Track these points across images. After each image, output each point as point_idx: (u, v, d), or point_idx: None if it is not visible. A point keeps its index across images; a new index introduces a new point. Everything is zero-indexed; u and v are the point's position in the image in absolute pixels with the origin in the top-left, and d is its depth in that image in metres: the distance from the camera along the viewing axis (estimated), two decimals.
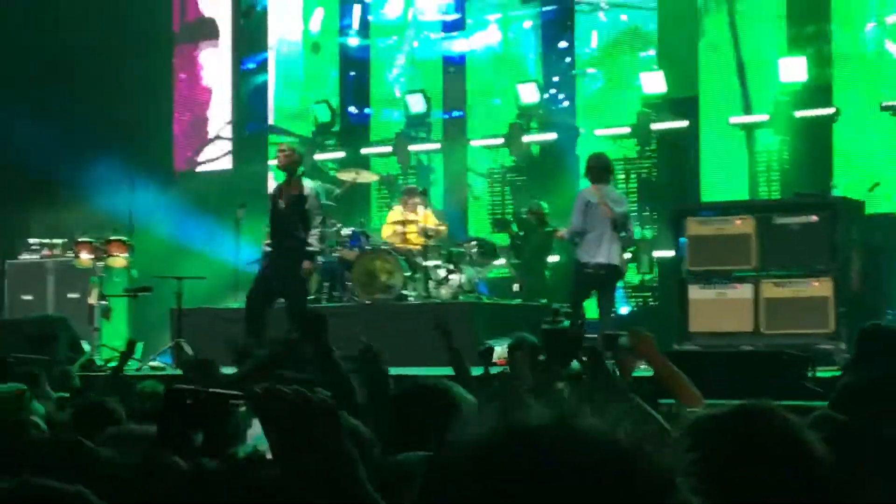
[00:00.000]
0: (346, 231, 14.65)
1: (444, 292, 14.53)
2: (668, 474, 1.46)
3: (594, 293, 12.39)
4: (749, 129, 15.64)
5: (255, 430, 2.96)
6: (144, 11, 18.76)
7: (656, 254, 15.85)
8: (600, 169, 12.26)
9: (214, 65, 19.67)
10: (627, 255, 13.17)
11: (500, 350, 9.39)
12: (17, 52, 17.89)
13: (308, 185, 11.96)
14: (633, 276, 16.25)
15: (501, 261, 15.56)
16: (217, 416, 3.07)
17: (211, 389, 3.21)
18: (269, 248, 12.58)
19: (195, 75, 19.85)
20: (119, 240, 13.76)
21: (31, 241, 15.52)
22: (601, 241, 11.99)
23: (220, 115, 19.68)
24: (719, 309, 12.39)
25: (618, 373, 5.81)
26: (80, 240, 14.06)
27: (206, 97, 19.79)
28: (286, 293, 11.89)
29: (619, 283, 13.00)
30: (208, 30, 19.70)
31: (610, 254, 12.02)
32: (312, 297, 13.27)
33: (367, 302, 14.11)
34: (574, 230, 12.15)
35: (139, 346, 14.02)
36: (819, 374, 9.38)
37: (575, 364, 6.40)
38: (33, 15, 18.10)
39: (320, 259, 13.92)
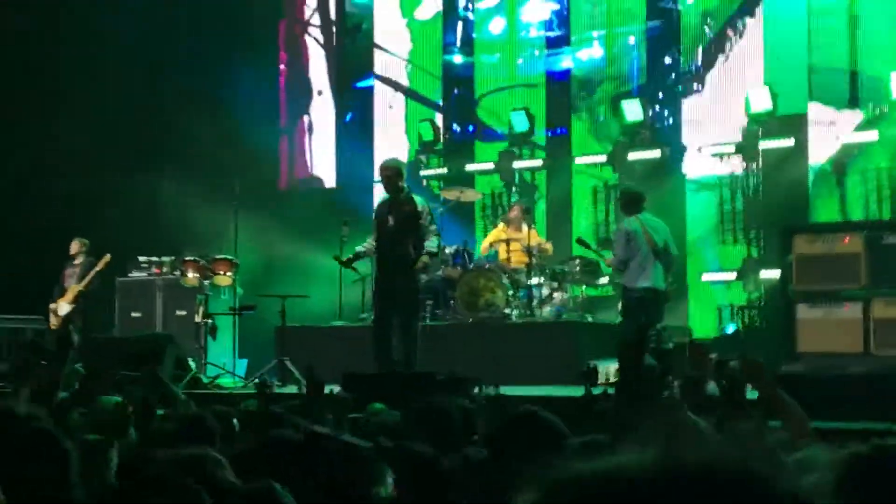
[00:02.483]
0: (449, 249, 14.65)
1: (547, 311, 14.48)
2: None
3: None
4: (860, 147, 15.36)
5: None
6: (256, 26, 19.03)
7: (763, 273, 15.62)
8: (635, 201, 12.73)
9: (318, 65, 19.85)
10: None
11: (603, 370, 9.30)
12: (120, 58, 18.20)
13: (419, 200, 11.97)
14: (738, 296, 16.06)
15: (605, 279, 15.46)
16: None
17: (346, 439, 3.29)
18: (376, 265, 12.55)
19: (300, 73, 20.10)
20: (225, 258, 13.91)
21: (141, 258, 15.76)
22: (645, 267, 12.44)
23: (326, 131, 19.81)
24: (828, 329, 12.15)
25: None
26: (186, 258, 14.23)
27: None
28: (401, 311, 11.89)
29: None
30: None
31: (655, 278, 12.47)
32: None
33: (470, 320, 14.11)
34: (619, 260, 12.64)
35: (244, 362, 14.20)
36: None
37: (712, 387, 6.29)
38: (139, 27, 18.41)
39: (424, 277, 13.96)
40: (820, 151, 15.59)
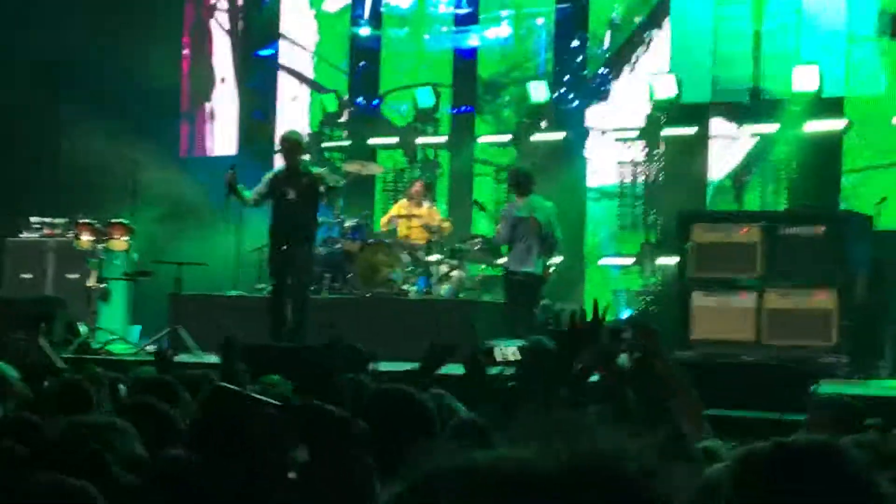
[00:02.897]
0: (349, 223, 14.56)
1: (445, 289, 14.46)
2: None
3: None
4: (760, 138, 15.53)
5: None
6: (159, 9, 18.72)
7: (660, 260, 15.74)
8: (525, 182, 12.93)
9: (223, 51, 19.57)
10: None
11: (502, 351, 9.25)
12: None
13: (316, 170, 11.90)
14: (635, 281, 16.18)
15: (504, 259, 15.45)
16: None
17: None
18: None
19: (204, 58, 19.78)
20: (121, 222, 13.67)
21: (33, 219, 15.41)
22: (530, 252, 12.65)
23: (227, 101, 19.57)
24: (721, 317, 12.31)
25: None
26: (81, 221, 13.95)
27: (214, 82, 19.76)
28: (296, 280, 11.83)
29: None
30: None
31: (536, 263, 12.75)
32: (313, 287, 13.18)
33: (367, 295, 14.04)
34: (501, 240, 13.09)
35: (137, 328, 13.98)
36: (823, 390, 9.24)
37: (623, 359, 6.23)
38: None
39: (322, 250, 13.86)
40: (720, 166, 15.71)
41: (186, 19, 19.77)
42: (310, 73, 18.92)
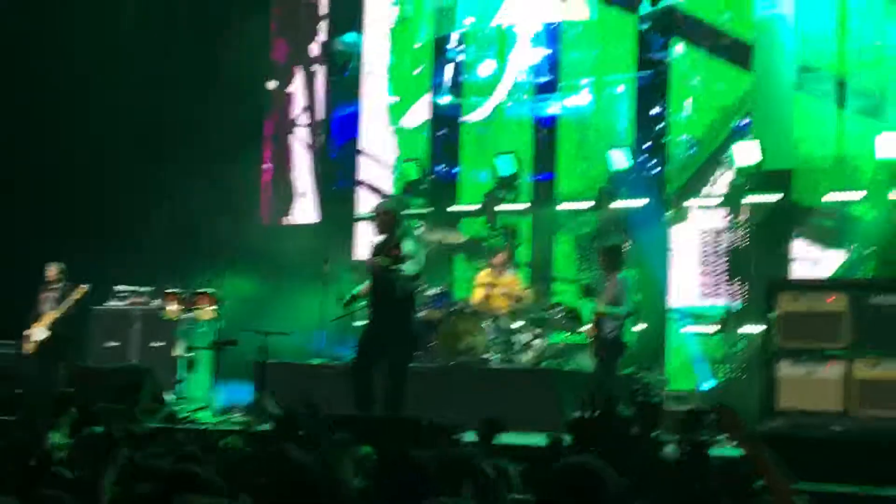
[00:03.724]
0: (431, 291, 14.58)
1: (527, 357, 14.42)
2: None
3: None
4: (845, 205, 15.38)
5: None
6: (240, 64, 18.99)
7: (743, 328, 15.59)
8: (622, 255, 13.40)
9: (302, 165, 19.90)
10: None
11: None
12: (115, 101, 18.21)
13: (409, 244, 11.81)
14: (718, 349, 16.01)
15: (587, 327, 15.38)
16: None
17: None
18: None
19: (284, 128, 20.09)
20: (207, 292, 13.79)
21: (118, 287, 15.63)
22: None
23: (306, 169, 19.80)
24: (808, 387, 12.11)
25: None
26: (168, 291, 14.11)
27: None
28: (391, 354, 11.76)
29: None
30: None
31: None
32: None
33: (449, 363, 14.04)
34: (628, 312, 13.17)
35: (220, 396, 14.07)
36: None
37: (671, 449, 6.18)
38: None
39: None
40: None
41: (266, 133, 20.08)
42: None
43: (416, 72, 18.99)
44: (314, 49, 19.99)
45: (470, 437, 8.94)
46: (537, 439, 10.62)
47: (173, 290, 14.11)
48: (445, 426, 7.29)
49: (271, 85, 20.11)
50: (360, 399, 11.54)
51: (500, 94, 18.26)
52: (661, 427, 8.74)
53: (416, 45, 19.02)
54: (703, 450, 4.70)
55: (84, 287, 15.08)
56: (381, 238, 11.96)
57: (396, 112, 19.17)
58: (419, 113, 18.92)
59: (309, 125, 19.88)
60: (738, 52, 16.33)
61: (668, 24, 16.93)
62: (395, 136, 19.15)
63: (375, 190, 18.89)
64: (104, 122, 18.12)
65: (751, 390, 14.33)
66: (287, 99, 20.05)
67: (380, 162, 19.15)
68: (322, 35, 19.92)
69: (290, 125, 20.05)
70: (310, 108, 19.87)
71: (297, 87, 19.99)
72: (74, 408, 7.32)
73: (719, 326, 15.98)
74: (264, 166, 19.86)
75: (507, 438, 10.72)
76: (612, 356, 12.97)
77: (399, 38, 19.24)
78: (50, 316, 15.11)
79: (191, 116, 18.43)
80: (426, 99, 18.85)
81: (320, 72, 19.87)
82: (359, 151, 19.32)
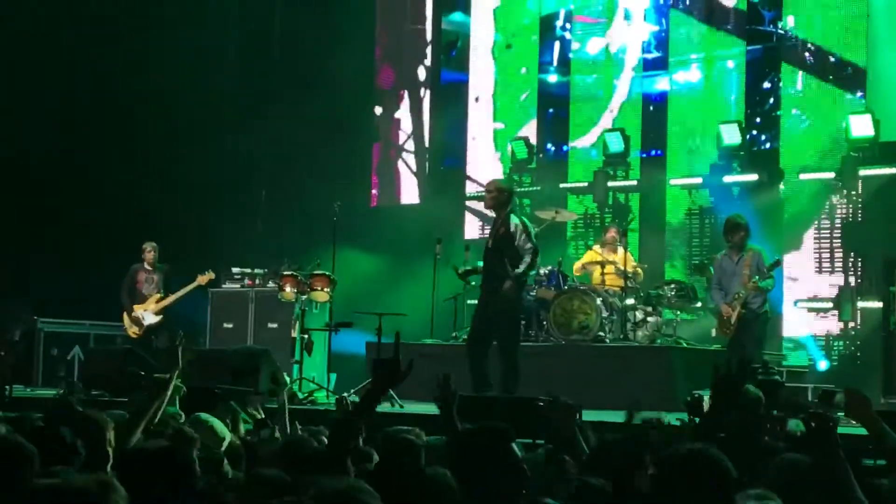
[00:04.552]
0: (543, 270, 14.58)
1: (641, 335, 14.38)
2: None
3: None
4: None
5: None
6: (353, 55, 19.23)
7: (860, 304, 15.38)
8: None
9: (410, 191, 20.09)
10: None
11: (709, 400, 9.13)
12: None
13: (515, 221, 11.83)
14: (832, 325, 15.82)
15: (699, 304, 15.30)
16: None
17: None
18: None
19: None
20: (323, 274, 13.90)
21: (235, 269, 15.83)
22: None
23: (416, 149, 19.92)
24: None
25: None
26: (285, 273, 14.25)
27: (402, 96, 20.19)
28: (498, 334, 11.80)
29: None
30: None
31: None
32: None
33: (563, 342, 14.04)
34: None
35: (333, 377, 14.22)
36: None
37: (798, 424, 6.15)
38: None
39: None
40: None
41: (374, 158, 20.24)
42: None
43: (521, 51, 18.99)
44: (421, 73, 20.07)
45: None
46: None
47: (290, 272, 14.24)
48: (572, 405, 7.28)
49: (378, 111, 20.28)
50: (475, 379, 11.58)
51: (608, 71, 18.18)
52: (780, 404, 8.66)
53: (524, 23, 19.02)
54: (832, 428, 4.67)
55: (210, 273, 15.30)
56: (491, 216, 12.03)
57: (504, 94, 19.16)
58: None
59: (415, 153, 20.04)
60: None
61: None
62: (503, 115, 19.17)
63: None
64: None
65: (868, 368, 14.17)
66: (395, 124, 20.21)
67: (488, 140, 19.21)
68: (428, 59, 20.01)
69: (399, 150, 20.24)
70: (417, 132, 20.01)
71: (403, 112, 20.14)
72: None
73: (833, 302, 15.78)
74: (373, 191, 20.14)
75: (622, 417, 10.74)
76: (762, 330, 12.72)
77: (503, 17, 19.23)
78: (159, 300, 15.31)
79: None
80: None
81: (427, 96, 19.96)
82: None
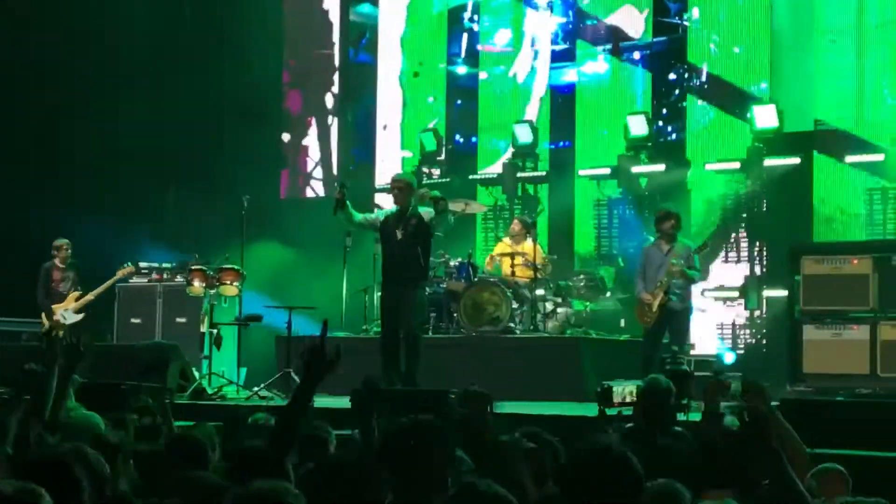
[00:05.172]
0: (453, 262, 14.60)
1: (551, 326, 14.44)
2: None
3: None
4: (863, 166, 15.33)
5: None
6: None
7: (766, 293, 15.57)
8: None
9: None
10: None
11: (618, 391, 9.23)
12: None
13: (425, 214, 11.81)
14: (738, 315, 16.00)
15: (609, 295, 15.41)
16: None
17: None
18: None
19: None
20: (231, 268, 13.78)
21: (142, 264, 15.62)
22: None
23: (325, 177, 19.87)
24: (834, 350, 12.14)
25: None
26: (193, 267, 14.09)
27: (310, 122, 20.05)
28: (405, 324, 11.77)
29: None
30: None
31: None
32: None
33: (473, 334, 14.05)
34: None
35: (243, 371, 14.13)
36: None
37: (730, 420, 6.18)
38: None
39: (427, 289, 13.86)
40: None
41: (282, 185, 20.35)
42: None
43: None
44: (329, 101, 19.99)
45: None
46: (569, 409, 10.72)
47: (198, 266, 14.08)
48: (485, 394, 7.29)
49: (286, 137, 20.20)
50: (387, 371, 11.56)
51: (516, 63, 18.22)
52: (689, 395, 8.74)
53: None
54: (767, 421, 4.72)
55: (130, 266, 15.08)
56: (395, 207, 11.95)
57: (412, 83, 19.14)
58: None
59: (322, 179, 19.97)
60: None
61: None
62: (412, 106, 19.14)
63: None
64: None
65: (772, 356, 14.36)
66: (303, 151, 20.15)
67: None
68: (336, 87, 19.94)
69: (306, 177, 20.16)
70: (325, 159, 19.95)
71: (311, 139, 20.08)
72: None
73: (739, 291, 15.96)
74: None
75: (534, 408, 10.81)
76: (686, 323, 12.76)
77: (414, 9, 19.20)
78: (78, 297, 15.01)
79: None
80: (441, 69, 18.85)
81: (334, 124, 19.90)
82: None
